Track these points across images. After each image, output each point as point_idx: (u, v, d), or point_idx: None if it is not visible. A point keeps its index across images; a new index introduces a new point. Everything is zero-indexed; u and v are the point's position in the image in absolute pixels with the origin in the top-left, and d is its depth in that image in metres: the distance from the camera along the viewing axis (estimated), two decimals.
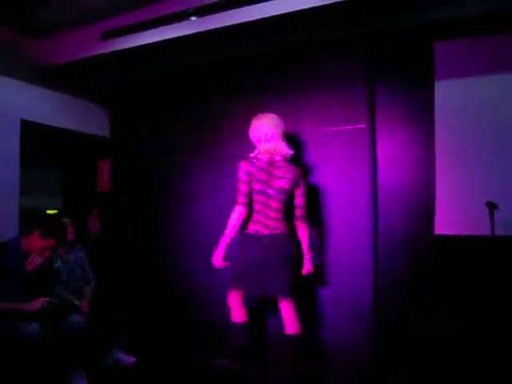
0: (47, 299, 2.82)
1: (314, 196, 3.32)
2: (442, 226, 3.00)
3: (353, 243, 3.21)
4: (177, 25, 3.13)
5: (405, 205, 3.13)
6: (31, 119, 3.86)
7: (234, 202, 2.87)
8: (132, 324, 3.69)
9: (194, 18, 3.06)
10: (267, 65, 3.65)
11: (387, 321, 3.11)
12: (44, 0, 3.10)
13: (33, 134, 3.91)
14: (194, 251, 3.78)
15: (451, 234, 2.97)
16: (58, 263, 3.43)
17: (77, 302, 3.32)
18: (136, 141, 4.30)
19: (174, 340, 3.77)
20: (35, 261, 2.88)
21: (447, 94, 3.06)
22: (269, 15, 2.85)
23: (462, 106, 3.01)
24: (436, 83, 3.08)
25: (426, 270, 3.03)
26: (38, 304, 2.77)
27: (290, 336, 2.81)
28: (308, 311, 3.19)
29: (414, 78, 3.18)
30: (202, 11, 3.01)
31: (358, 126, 3.27)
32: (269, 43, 3.38)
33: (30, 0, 3.13)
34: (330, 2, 2.69)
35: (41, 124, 3.97)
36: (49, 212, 4.73)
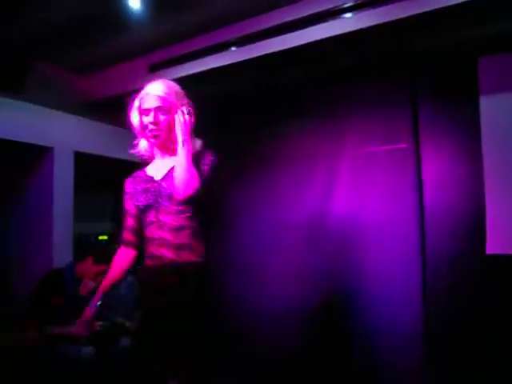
0: (100, 323, 2.92)
1: (358, 218, 3.29)
2: (494, 246, 2.89)
3: (400, 268, 3.14)
4: (218, 55, 3.25)
5: (453, 225, 3.04)
6: (84, 151, 4.06)
7: None
8: None
9: (234, 48, 3.18)
10: (310, 87, 3.67)
11: (438, 347, 2.99)
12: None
13: (86, 164, 4.11)
14: (229, 277, 3.79)
15: (503, 253, 2.85)
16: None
17: (127, 324, 3.40)
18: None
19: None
20: (89, 285, 3.00)
21: (493, 109, 2.99)
22: (311, 40, 2.92)
23: (510, 121, 2.93)
24: (481, 99, 3.01)
25: (477, 292, 2.91)
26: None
27: None
28: (356, 340, 3.13)
29: (457, 95, 3.13)
30: (242, 41, 3.12)
31: (401, 146, 3.24)
32: (312, 67, 3.45)
33: (81, 40, 3.36)
34: (371, 23, 2.73)
35: (92, 155, 4.16)
36: (100, 238, 4.90)
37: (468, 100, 3.05)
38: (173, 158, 1.88)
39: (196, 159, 1.84)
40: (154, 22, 3.08)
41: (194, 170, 1.77)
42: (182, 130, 1.82)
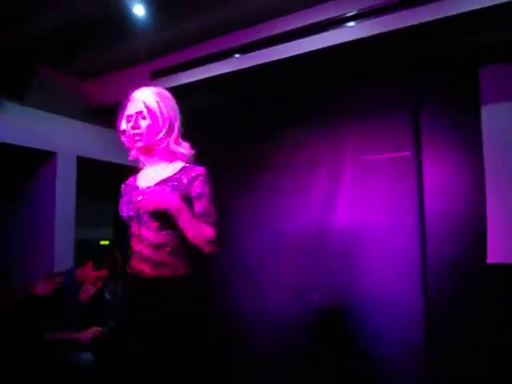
0: (99, 329, 2.92)
1: (359, 224, 3.29)
2: (495, 255, 2.88)
3: (400, 275, 3.13)
4: (220, 62, 3.27)
5: (454, 233, 3.03)
6: (86, 155, 4.09)
7: None
8: None
9: (237, 56, 3.20)
10: (312, 95, 3.70)
11: (440, 356, 2.98)
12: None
13: (87, 169, 4.13)
14: (241, 282, 3.80)
15: (505, 262, 2.84)
16: (107, 295, 3.52)
17: None
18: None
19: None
20: (89, 290, 3.00)
21: (495, 118, 2.99)
22: (314, 49, 2.94)
23: (511, 130, 2.93)
24: (482, 107, 3.02)
25: (479, 301, 2.89)
26: (90, 333, 2.87)
27: None
28: (358, 348, 3.12)
29: (459, 103, 3.14)
30: (245, 49, 3.13)
31: (403, 154, 3.24)
32: (314, 75, 3.47)
33: (84, 47, 3.38)
34: (373, 33, 2.75)
35: (95, 160, 4.19)
36: (101, 243, 4.91)
37: (469, 108, 3.06)
38: (158, 167, 1.84)
39: (184, 171, 1.79)
40: (158, 29, 3.10)
41: (168, 184, 1.74)
42: (159, 136, 1.79)
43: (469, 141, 3.06)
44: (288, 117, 3.81)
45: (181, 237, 1.72)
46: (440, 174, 3.15)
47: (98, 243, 4.32)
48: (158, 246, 1.73)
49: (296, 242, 3.58)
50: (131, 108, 1.81)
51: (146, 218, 1.75)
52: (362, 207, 3.34)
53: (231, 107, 4.03)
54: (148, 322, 1.69)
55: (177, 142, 1.84)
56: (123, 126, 1.85)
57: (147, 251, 1.74)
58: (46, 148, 3.78)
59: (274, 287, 3.56)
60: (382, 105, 3.37)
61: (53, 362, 2.75)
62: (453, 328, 2.96)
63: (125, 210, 1.84)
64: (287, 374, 3.34)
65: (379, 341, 3.16)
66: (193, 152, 1.89)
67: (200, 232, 1.69)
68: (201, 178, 1.78)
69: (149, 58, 3.55)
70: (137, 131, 1.79)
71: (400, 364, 3.06)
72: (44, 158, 3.87)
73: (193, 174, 1.77)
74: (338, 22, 2.85)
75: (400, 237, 3.16)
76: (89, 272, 3.00)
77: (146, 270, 1.73)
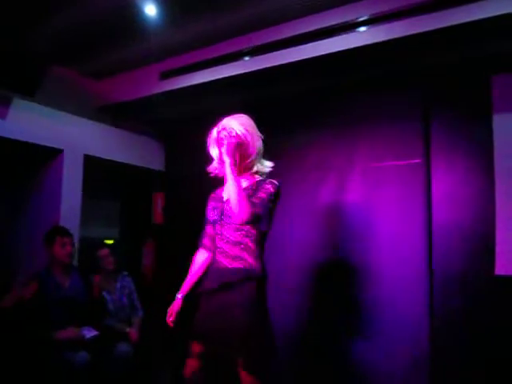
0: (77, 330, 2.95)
1: (366, 233, 3.26)
2: (504, 267, 2.83)
3: (407, 285, 3.08)
4: (231, 64, 3.26)
5: (462, 243, 2.98)
6: (93, 154, 4.09)
7: None
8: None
9: (247, 58, 3.19)
10: (322, 100, 3.67)
11: (445, 370, 2.92)
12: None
13: (94, 168, 4.14)
14: None
15: None
16: (104, 294, 3.51)
17: (127, 330, 3.39)
18: (189, 175, 4.43)
19: None
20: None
21: (507, 126, 2.95)
22: (324, 53, 2.92)
23: None
24: (494, 116, 2.98)
25: (486, 313, 2.84)
26: (68, 333, 2.89)
27: None
28: (362, 360, 3.08)
29: (470, 112, 3.09)
30: (256, 51, 3.13)
31: (412, 162, 3.20)
32: (324, 80, 3.45)
33: (95, 46, 3.39)
34: (385, 38, 2.73)
35: (102, 158, 4.19)
36: (106, 242, 4.92)
37: (481, 117, 3.01)
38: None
39: (258, 183, 2.20)
40: (170, 29, 3.10)
41: (247, 200, 2.06)
42: (226, 152, 2.10)
43: (480, 150, 3.02)
44: (296, 122, 3.79)
45: (252, 237, 2.17)
46: (449, 184, 3.10)
47: (103, 242, 4.33)
48: (234, 243, 2.18)
49: (300, 248, 3.56)
50: (222, 136, 2.18)
51: (227, 220, 2.20)
52: (369, 214, 3.30)
53: (240, 110, 4.01)
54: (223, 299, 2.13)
55: (260, 162, 2.28)
56: (215, 151, 2.26)
57: (226, 247, 2.19)
58: (53, 145, 3.79)
59: (276, 304, 3.52)
60: (392, 112, 3.34)
61: (49, 361, 2.75)
62: (459, 340, 2.91)
63: (211, 215, 2.31)
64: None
65: (383, 350, 3.11)
66: (269, 168, 2.31)
67: (240, 204, 2.04)
68: (270, 185, 2.19)
69: (159, 58, 3.56)
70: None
71: (405, 375, 3.00)
72: (51, 155, 3.88)
73: (264, 184, 2.19)
74: (349, 27, 2.83)
75: (407, 245, 3.12)
76: None
77: (224, 261, 2.18)
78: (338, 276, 3.37)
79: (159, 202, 4.64)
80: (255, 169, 2.25)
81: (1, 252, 4.06)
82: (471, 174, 3.04)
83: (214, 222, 2.28)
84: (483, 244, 2.92)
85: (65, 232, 3.24)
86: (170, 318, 2.35)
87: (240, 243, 2.16)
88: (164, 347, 3.53)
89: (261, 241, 2.21)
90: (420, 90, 3.26)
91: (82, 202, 3.97)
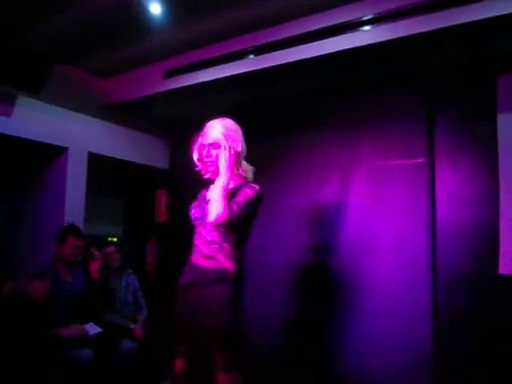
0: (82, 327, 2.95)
1: (369, 232, 3.26)
2: (507, 266, 2.82)
3: (410, 285, 3.08)
4: (235, 63, 3.26)
5: (466, 242, 2.97)
6: (98, 152, 4.11)
7: None
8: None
9: (251, 56, 3.19)
10: (325, 100, 3.66)
11: (449, 370, 2.91)
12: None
13: (98, 166, 4.15)
14: (252, 284, 3.76)
15: None
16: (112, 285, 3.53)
17: (132, 326, 3.41)
18: (193, 173, 4.42)
19: None
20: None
21: (511, 127, 2.94)
22: (328, 52, 2.92)
23: None
24: (499, 116, 2.97)
25: (490, 313, 2.83)
26: (72, 330, 2.90)
27: None
28: (365, 361, 3.08)
29: (475, 111, 3.08)
30: (260, 50, 3.12)
31: (416, 161, 3.20)
32: (328, 79, 3.44)
33: (99, 43, 3.40)
34: (389, 37, 2.72)
35: (106, 156, 4.20)
36: (109, 239, 4.94)
37: (485, 117, 3.00)
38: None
39: (239, 187, 2.22)
40: (174, 28, 3.11)
41: (225, 203, 2.10)
42: (222, 163, 2.18)
43: (484, 149, 3.01)
44: (299, 121, 3.78)
45: (228, 238, 2.19)
46: (453, 183, 3.10)
47: (107, 239, 4.34)
48: (209, 243, 2.22)
49: (301, 249, 3.55)
50: (204, 139, 2.31)
51: (206, 220, 2.21)
52: (372, 214, 3.30)
53: (243, 109, 4.01)
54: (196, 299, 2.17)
55: (240, 167, 2.31)
56: (197, 154, 2.38)
57: (202, 246, 2.24)
58: (58, 143, 3.80)
59: (283, 297, 3.53)
60: (396, 111, 3.34)
61: (52, 358, 2.76)
62: (463, 340, 2.90)
63: (193, 213, 2.36)
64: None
65: (387, 351, 3.11)
66: (252, 172, 2.37)
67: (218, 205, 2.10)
68: (249, 189, 2.21)
69: (164, 56, 3.56)
70: (209, 159, 2.29)
71: (408, 375, 3.00)
72: (55, 153, 3.89)
73: (244, 188, 2.22)
74: (354, 26, 2.82)
75: (410, 244, 3.12)
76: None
77: (198, 260, 2.23)
78: (341, 275, 3.36)
79: (163, 200, 4.65)
80: (236, 172, 2.28)
81: (4, 250, 4.08)
82: (475, 173, 3.04)
83: (195, 220, 2.33)
84: (487, 243, 2.91)
85: (79, 233, 3.24)
86: None
87: (215, 243, 2.20)
88: (167, 344, 3.54)
89: (238, 243, 2.23)
90: (424, 90, 3.25)
91: (86, 199, 3.98)
